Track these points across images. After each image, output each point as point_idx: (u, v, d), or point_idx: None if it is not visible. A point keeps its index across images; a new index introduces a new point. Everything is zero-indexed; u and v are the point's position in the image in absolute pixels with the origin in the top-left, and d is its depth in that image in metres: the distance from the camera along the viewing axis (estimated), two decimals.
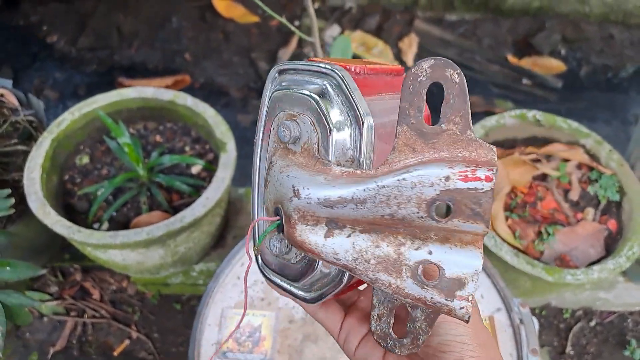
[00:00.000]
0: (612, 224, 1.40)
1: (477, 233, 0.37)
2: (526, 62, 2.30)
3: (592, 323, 1.66)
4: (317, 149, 0.43)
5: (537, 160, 1.46)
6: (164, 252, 1.39)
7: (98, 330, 1.64)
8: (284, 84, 0.46)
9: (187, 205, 1.34)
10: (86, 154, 1.52)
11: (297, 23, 2.40)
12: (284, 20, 1.17)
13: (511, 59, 2.31)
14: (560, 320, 1.66)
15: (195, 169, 1.49)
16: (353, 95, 0.41)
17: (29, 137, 1.52)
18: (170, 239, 1.33)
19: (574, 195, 1.42)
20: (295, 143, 0.44)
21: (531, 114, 1.51)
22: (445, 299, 0.37)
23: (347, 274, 0.44)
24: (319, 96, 0.42)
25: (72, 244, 1.36)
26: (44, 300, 1.65)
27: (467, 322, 0.37)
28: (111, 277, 1.72)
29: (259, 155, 0.50)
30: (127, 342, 1.62)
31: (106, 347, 1.61)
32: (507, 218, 1.38)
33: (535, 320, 1.60)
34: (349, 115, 0.42)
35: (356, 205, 0.39)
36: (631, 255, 1.30)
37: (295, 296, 0.49)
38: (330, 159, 0.42)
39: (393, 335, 0.43)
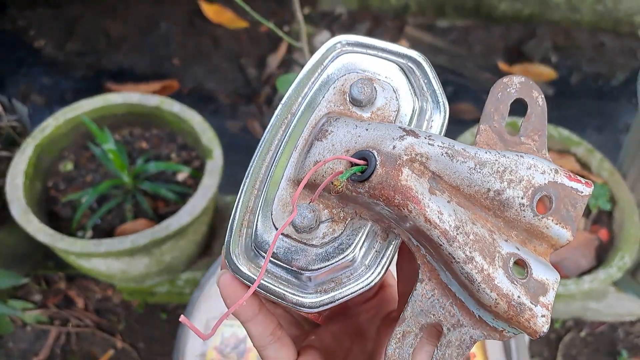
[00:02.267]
0: (603, 233, 1.38)
1: (557, 242, 0.37)
2: (517, 70, 2.29)
3: (583, 333, 1.65)
4: (394, 118, 0.40)
5: None
6: (149, 261, 1.37)
7: (82, 339, 1.61)
8: (356, 49, 0.43)
9: (173, 213, 1.32)
10: (70, 160, 1.50)
11: (286, 29, 2.39)
12: (272, 26, 1.16)
13: (502, 66, 2.30)
14: (550, 331, 1.65)
15: (181, 176, 1.47)
16: (437, 80, 0.41)
17: (12, 143, 1.50)
18: (155, 247, 1.31)
19: None
20: (366, 106, 0.41)
21: (521, 122, 1.50)
22: (531, 302, 0.35)
23: (382, 270, 0.39)
24: (407, 70, 0.42)
25: (55, 252, 1.34)
26: (27, 309, 1.63)
27: (540, 337, 0.35)
28: (96, 285, 1.70)
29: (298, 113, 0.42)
30: (111, 351, 1.60)
31: (90, 357, 1.58)
32: None
33: None
34: (429, 99, 0.41)
35: (475, 165, 0.36)
36: (622, 265, 1.29)
37: (288, 301, 0.39)
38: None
39: None
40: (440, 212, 0.35)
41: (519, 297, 0.34)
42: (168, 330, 1.64)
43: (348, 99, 0.41)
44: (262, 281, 0.39)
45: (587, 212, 1.41)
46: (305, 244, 0.39)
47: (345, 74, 0.42)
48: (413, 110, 0.40)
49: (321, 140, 0.39)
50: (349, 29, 2.40)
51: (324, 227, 0.39)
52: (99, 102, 1.48)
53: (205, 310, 1.11)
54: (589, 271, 1.34)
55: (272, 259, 0.39)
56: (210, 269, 1.16)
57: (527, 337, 1.39)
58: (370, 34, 2.40)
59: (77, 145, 1.52)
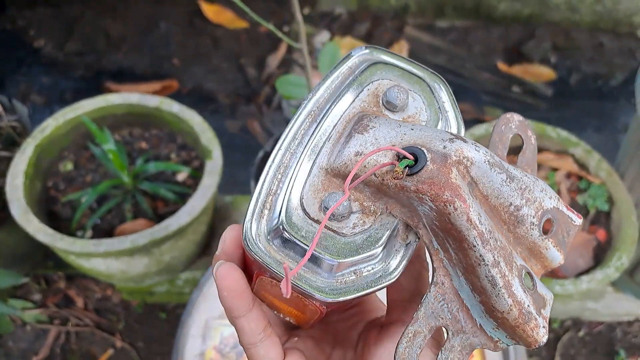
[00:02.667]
0: (601, 234, 1.39)
1: (550, 264, 0.41)
2: (516, 70, 2.30)
3: (581, 333, 1.65)
4: None
5: None
6: (149, 261, 1.37)
7: (82, 339, 1.62)
8: (385, 58, 0.45)
9: (173, 213, 1.32)
10: (70, 160, 1.50)
11: (286, 29, 2.39)
12: (272, 27, 1.16)
13: (501, 66, 2.30)
14: (548, 330, 1.65)
15: (181, 177, 1.48)
16: (455, 102, 0.44)
17: (13, 143, 1.50)
18: (155, 247, 1.31)
19: None
20: (398, 112, 0.42)
21: None
22: (536, 312, 0.37)
23: (400, 269, 0.39)
24: (432, 88, 0.43)
25: (55, 252, 1.34)
26: (26, 309, 1.63)
27: (537, 346, 0.37)
28: (96, 285, 1.70)
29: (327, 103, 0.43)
30: (111, 351, 1.60)
31: (90, 356, 1.59)
32: None
33: None
34: (449, 118, 0.43)
35: (507, 178, 0.38)
36: (620, 265, 1.29)
37: (310, 286, 0.39)
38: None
39: None
40: (480, 214, 0.36)
41: (528, 306, 0.36)
42: (167, 329, 1.64)
43: (381, 102, 0.42)
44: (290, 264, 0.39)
45: (585, 212, 1.41)
46: (335, 231, 0.39)
47: (379, 79, 0.43)
48: (438, 125, 0.42)
49: (362, 134, 0.40)
50: (348, 28, 2.41)
51: (354, 218, 0.39)
52: (99, 103, 1.49)
53: (204, 310, 1.11)
54: (586, 271, 1.34)
55: (301, 242, 0.39)
56: (209, 269, 1.17)
57: None
58: (369, 34, 2.40)
59: (77, 146, 1.52)
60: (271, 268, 0.39)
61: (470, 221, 0.35)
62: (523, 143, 0.44)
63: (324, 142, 0.41)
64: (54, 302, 1.67)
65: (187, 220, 1.29)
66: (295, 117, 0.42)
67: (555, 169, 1.45)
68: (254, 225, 0.40)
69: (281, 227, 0.39)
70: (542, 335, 0.36)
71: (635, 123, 1.43)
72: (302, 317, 0.44)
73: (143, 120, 1.54)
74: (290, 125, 0.42)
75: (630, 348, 1.63)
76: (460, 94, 2.22)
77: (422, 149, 0.37)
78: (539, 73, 2.31)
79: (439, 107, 0.43)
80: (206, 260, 1.56)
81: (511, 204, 0.38)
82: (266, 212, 0.40)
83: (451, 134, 0.38)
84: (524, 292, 0.37)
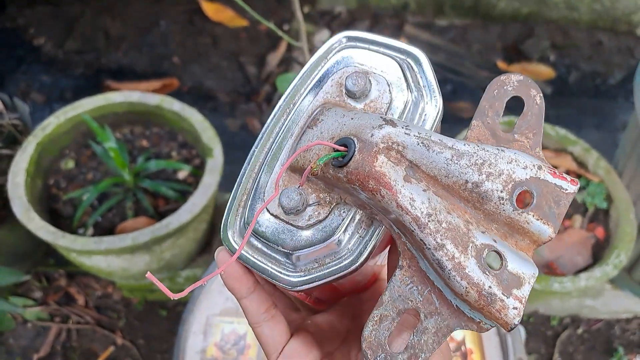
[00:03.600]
0: (599, 231, 1.40)
1: (539, 239, 0.37)
2: (515, 68, 2.30)
3: (579, 330, 1.66)
4: (385, 110, 0.41)
5: None
6: (150, 259, 1.38)
7: (82, 336, 1.62)
8: (358, 44, 0.45)
9: (173, 211, 1.33)
10: (71, 158, 1.51)
11: (286, 27, 2.40)
12: (272, 25, 1.17)
13: (500, 64, 2.31)
14: (547, 328, 1.66)
15: (181, 175, 1.48)
16: (434, 76, 0.42)
17: (14, 141, 1.50)
18: (155, 245, 1.32)
19: None
20: (360, 99, 0.42)
21: None
22: (502, 293, 0.35)
23: (364, 255, 0.40)
24: (404, 65, 0.43)
25: (56, 249, 1.35)
26: (27, 306, 1.63)
27: (511, 329, 0.35)
28: (96, 282, 1.71)
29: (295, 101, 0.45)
30: (112, 348, 1.61)
31: (91, 354, 1.59)
32: None
33: (522, 328, 1.59)
34: (424, 93, 0.42)
35: (452, 156, 0.37)
36: (618, 263, 1.30)
37: (269, 276, 0.41)
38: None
39: (387, 347, 0.38)
40: (412, 199, 0.36)
41: (489, 287, 0.35)
42: (167, 327, 1.65)
43: (344, 91, 0.43)
44: (251, 257, 0.42)
45: (584, 210, 1.42)
46: (292, 225, 0.41)
47: (343, 67, 0.44)
48: (405, 104, 0.42)
49: (312, 128, 0.41)
50: (348, 27, 2.41)
51: (310, 210, 0.40)
52: (100, 101, 1.49)
53: (206, 307, 1.12)
54: (585, 269, 1.35)
55: (261, 238, 0.41)
56: (210, 267, 1.17)
57: (523, 334, 1.41)
58: (369, 32, 2.40)
59: (78, 144, 1.53)
60: (240, 260, 0.42)
61: (401, 207, 0.36)
62: (524, 105, 0.41)
63: (287, 139, 0.43)
64: (54, 299, 1.67)
65: (188, 218, 1.29)
66: (272, 114, 0.44)
67: (554, 167, 1.45)
68: (229, 225, 0.43)
69: (245, 225, 0.42)
70: (512, 317, 0.35)
71: (634, 121, 1.44)
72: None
73: (144, 118, 1.55)
74: (267, 123, 0.44)
75: (629, 345, 1.63)
76: (459, 92, 2.22)
77: (354, 138, 0.38)
78: (538, 71, 2.31)
79: (409, 85, 0.42)
80: (206, 258, 1.57)
81: (467, 181, 0.37)
82: (240, 210, 0.43)
83: (383, 119, 0.38)
84: (484, 272, 0.35)
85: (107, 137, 1.38)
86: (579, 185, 0.38)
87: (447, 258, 0.35)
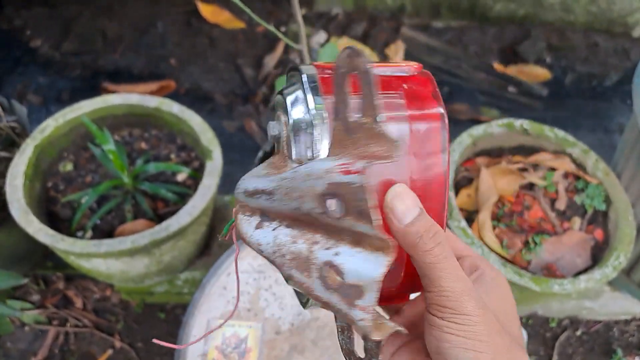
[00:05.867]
0: (598, 233, 1.40)
1: (375, 235, 0.33)
2: (512, 70, 2.31)
3: (578, 332, 1.66)
4: (285, 148, 0.41)
5: (524, 170, 1.46)
6: (149, 261, 1.37)
7: (80, 339, 1.62)
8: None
9: (173, 213, 1.33)
10: (70, 160, 1.50)
11: (283, 29, 2.40)
12: (270, 27, 1.17)
13: (497, 66, 2.31)
14: (546, 330, 1.67)
15: (180, 177, 1.48)
16: (308, 93, 0.39)
17: (12, 144, 1.50)
18: (155, 247, 1.31)
19: (561, 204, 1.42)
20: (279, 143, 0.42)
21: (518, 123, 1.51)
22: (347, 307, 0.34)
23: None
24: (288, 94, 0.41)
25: (54, 252, 1.34)
26: (25, 309, 1.63)
27: (366, 338, 0.34)
28: (95, 285, 1.70)
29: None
30: (110, 351, 1.60)
31: (89, 357, 1.59)
32: (494, 227, 1.38)
33: (522, 330, 1.60)
34: (309, 113, 0.39)
35: (268, 195, 0.39)
36: (617, 265, 1.30)
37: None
38: (293, 157, 0.40)
39: (356, 353, 0.41)
40: (259, 244, 0.40)
41: (336, 303, 0.34)
42: (166, 329, 1.64)
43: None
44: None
45: (583, 212, 1.42)
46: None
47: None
48: (291, 134, 0.40)
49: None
50: (345, 29, 2.41)
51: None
52: (99, 103, 1.49)
53: (206, 310, 1.11)
54: (584, 271, 1.35)
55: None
56: (211, 270, 1.17)
57: (525, 336, 1.40)
58: (365, 34, 2.41)
59: (77, 146, 1.52)
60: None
61: (257, 251, 0.40)
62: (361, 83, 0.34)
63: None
64: (52, 302, 1.67)
65: (187, 220, 1.29)
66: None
67: (552, 169, 1.45)
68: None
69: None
70: (362, 327, 0.33)
71: (632, 123, 1.44)
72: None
73: (143, 120, 1.54)
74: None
75: (627, 347, 1.64)
76: (456, 94, 2.23)
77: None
78: (534, 73, 2.32)
79: (288, 117, 0.40)
80: (205, 261, 1.56)
81: (295, 209, 0.37)
82: None
83: (242, 179, 0.43)
84: (327, 290, 0.35)
85: (105, 139, 1.37)
86: (365, 174, 0.33)
87: (297, 285, 0.37)
